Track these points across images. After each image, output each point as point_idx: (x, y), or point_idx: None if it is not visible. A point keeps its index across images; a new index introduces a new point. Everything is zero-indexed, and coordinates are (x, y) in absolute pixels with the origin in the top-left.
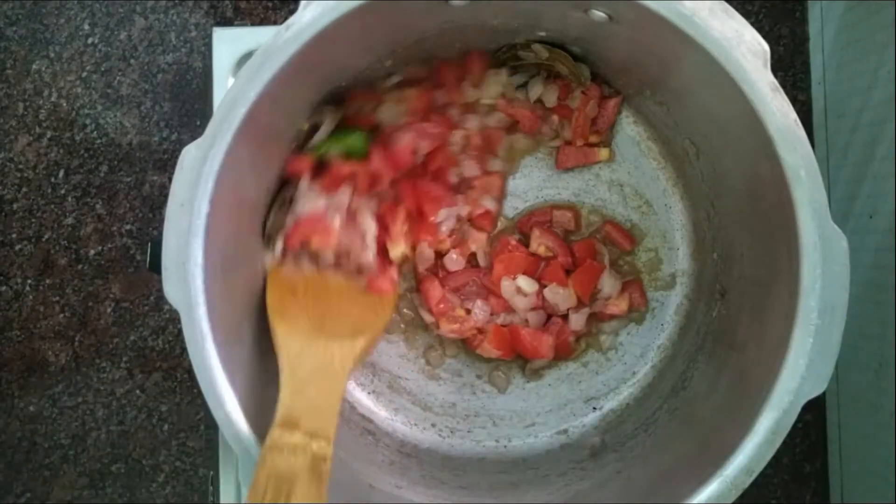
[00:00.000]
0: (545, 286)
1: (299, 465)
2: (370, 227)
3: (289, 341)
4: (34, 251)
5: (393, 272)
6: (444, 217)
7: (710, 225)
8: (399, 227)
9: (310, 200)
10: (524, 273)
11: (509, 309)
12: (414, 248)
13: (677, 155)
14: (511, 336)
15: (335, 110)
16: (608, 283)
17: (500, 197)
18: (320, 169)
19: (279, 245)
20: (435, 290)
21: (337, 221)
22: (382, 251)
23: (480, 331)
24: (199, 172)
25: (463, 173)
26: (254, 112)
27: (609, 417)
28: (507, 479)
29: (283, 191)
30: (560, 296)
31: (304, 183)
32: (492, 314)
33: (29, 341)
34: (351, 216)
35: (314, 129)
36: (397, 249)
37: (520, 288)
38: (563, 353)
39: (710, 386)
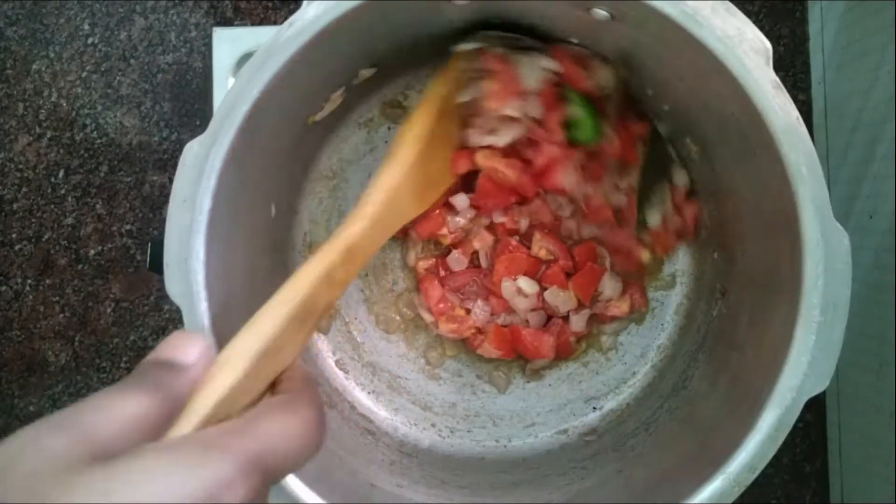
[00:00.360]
0: (546, 288)
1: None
2: None
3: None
4: (34, 251)
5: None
6: (462, 207)
7: (710, 223)
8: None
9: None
10: (525, 274)
11: (510, 309)
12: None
13: (677, 152)
14: (512, 336)
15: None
16: (609, 286)
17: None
18: None
19: None
20: (435, 290)
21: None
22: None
23: (480, 331)
24: (201, 169)
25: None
26: (255, 110)
27: (609, 417)
28: (508, 478)
29: None
30: (560, 298)
31: None
32: (492, 314)
33: (29, 341)
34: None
35: None
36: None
37: (520, 289)
38: (563, 354)
39: (710, 385)
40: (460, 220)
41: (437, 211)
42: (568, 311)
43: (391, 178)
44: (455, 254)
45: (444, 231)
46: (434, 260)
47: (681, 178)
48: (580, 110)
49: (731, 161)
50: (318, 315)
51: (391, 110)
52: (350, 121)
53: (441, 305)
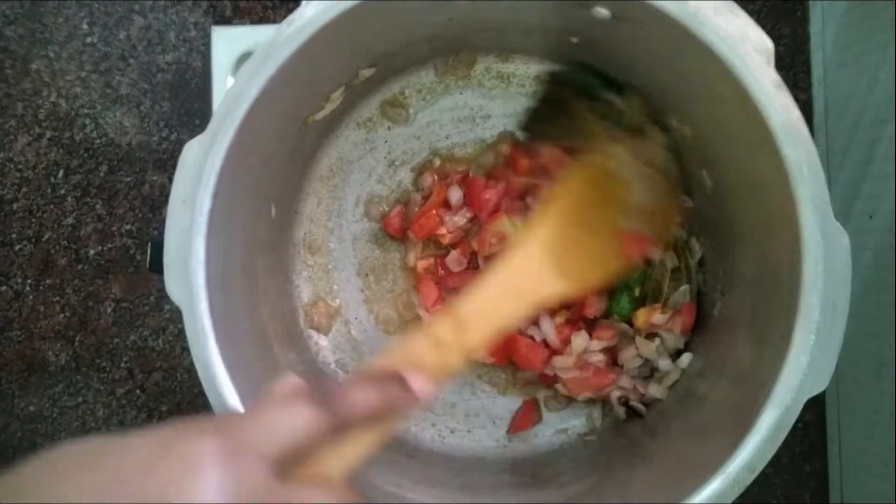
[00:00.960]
0: None
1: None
2: None
3: (536, 235)
4: (34, 251)
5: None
6: (456, 200)
7: (710, 224)
8: None
9: None
10: None
11: None
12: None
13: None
14: (507, 343)
15: None
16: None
17: None
18: None
19: None
20: (431, 290)
21: None
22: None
23: None
24: (200, 168)
25: None
26: (255, 109)
27: (610, 417)
28: (507, 479)
29: None
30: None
31: None
32: None
33: (29, 341)
34: None
35: None
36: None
37: None
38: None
39: (710, 385)
40: (458, 220)
41: (434, 210)
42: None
43: (518, 255)
44: (454, 254)
45: (443, 231)
46: (433, 260)
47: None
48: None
49: (731, 159)
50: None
51: (391, 109)
52: (350, 120)
53: (438, 306)
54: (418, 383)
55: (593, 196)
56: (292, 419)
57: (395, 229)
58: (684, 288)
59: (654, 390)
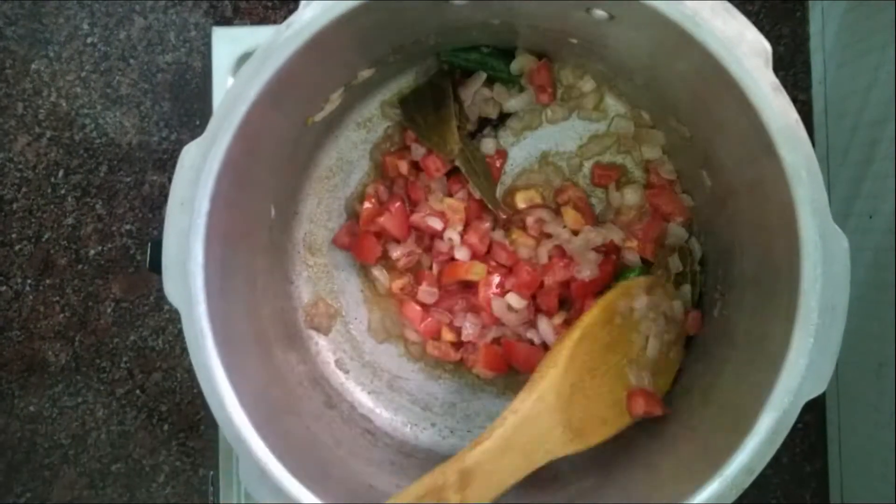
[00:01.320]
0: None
1: None
2: None
3: (546, 392)
4: (34, 251)
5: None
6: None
7: (710, 224)
8: None
9: None
10: (512, 290)
11: (500, 321)
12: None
13: (677, 154)
14: (505, 351)
15: None
16: None
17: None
18: None
19: None
20: (415, 311)
21: None
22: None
23: (473, 346)
24: (199, 171)
25: None
26: (254, 111)
27: None
28: None
29: None
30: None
31: None
32: (483, 328)
33: (29, 341)
34: None
35: None
36: None
37: (510, 305)
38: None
39: (709, 386)
40: (400, 252)
41: (367, 240)
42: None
43: (525, 404)
44: (423, 288)
45: (397, 254)
46: (408, 277)
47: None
48: None
49: (730, 162)
50: None
51: (391, 109)
52: (350, 121)
53: (428, 321)
54: None
55: (608, 339)
56: None
57: (346, 245)
58: (685, 288)
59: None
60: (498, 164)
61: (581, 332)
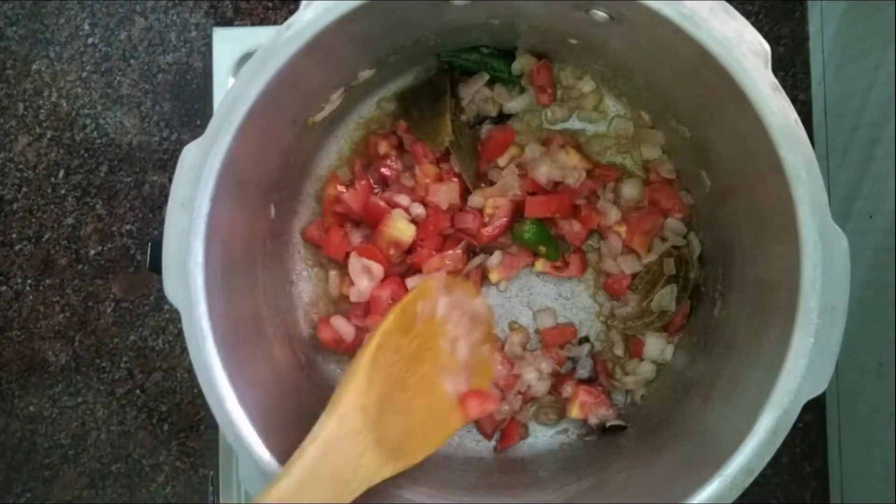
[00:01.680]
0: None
1: None
2: None
3: (347, 411)
4: (34, 251)
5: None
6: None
7: (709, 224)
8: None
9: None
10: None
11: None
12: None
13: (677, 154)
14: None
15: None
16: None
17: None
18: None
19: None
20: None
21: None
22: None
23: None
24: (199, 171)
25: None
26: (255, 111)
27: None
28: (507, 479)
29: None
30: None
31: None
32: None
33: (29, 341)
34: None
35: None
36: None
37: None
38: None
39: (709, 386)
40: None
41: (333, 232)
42: None
43: (326, 430)
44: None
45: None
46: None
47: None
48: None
49: (729, 162)
50: None
51: (387, 104)
52: (350, 120)
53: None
54: None
55: (413, 348)
56: None
57: (314, 239)
58: (669, 288)
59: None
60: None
61: (378, 341)
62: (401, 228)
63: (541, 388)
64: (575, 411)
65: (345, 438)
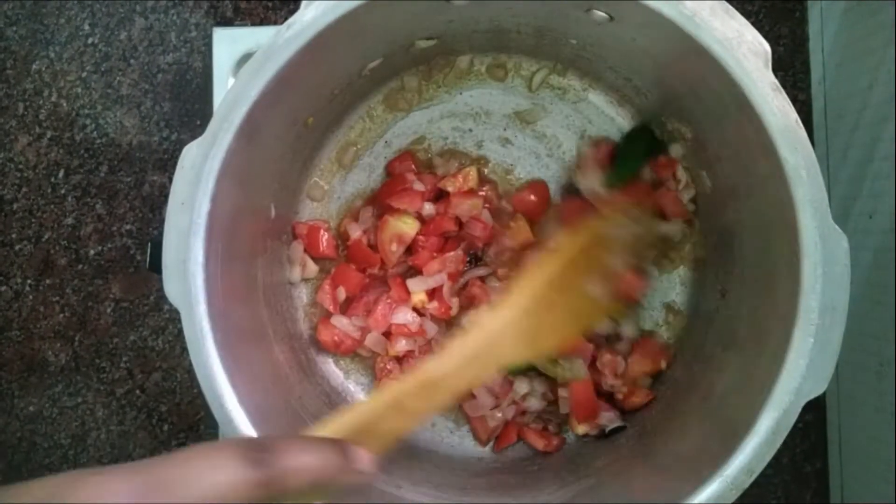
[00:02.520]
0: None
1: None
2: None
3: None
4: (34, 251)
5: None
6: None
7: (710, 224)
8: None
9: None
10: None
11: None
12: None
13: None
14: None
15: None
16: None
17: None
18: None
19: None
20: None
21: None
22: None
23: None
24: (199, 171)
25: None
26: (255, 111)
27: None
28: (507, 479)
29: None
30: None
31: None
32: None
33: (29, 341)
34: None
35: None
36: None
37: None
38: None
39: (709, 386)
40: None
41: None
42: None
43: (494, 321)
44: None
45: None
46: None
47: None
48: None
49: (729, 163)
50: (382, 439)
51: (390, 109)
52: (350, 120)
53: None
54: (361, 459)
55: (580, 263)
56: (216, 473)
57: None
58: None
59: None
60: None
61: (562, 258)
62: (407, 222)
63: (535, 404)
64: (580, 428)
65: (503, 329)
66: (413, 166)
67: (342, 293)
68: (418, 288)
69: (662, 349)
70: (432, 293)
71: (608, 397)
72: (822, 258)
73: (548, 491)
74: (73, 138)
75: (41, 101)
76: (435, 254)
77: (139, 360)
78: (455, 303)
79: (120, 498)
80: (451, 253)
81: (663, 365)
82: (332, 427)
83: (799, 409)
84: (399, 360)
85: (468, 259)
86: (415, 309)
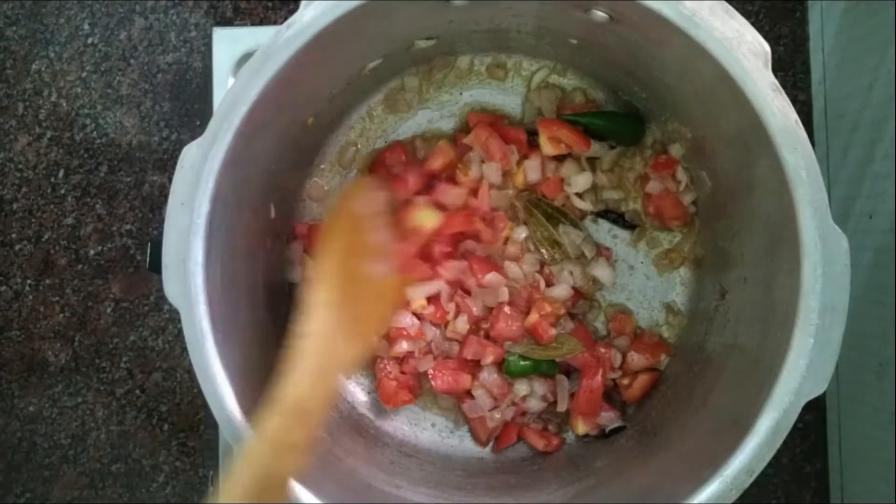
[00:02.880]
0: None
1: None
2: None
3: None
4: (34, 251)
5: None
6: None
7: (710, 225)
8: None
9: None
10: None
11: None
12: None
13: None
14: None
15: None
16: None
17: None
18: None
19: None
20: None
21: None
22: None
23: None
24: (199, 171)
25: None
26: (255, 111)
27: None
28: (507, 479)
29: None
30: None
31: None
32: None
33: (29, 341)
34: None
35: None
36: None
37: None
38: None
39: (709, 386)
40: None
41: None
42: None
43: (318, 324)
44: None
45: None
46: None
47: None
48: None
49: (729, 163)
50: (282, 478)
51: (391, 109)
52: (350, 120)
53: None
54: None
55: (352, 250)
56: None
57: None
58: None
59: None
60: None
61: (335, 247)
62: (427, 215)
63: (535, 405)
64: (580, 427)
65: (328, 330)
66: (403, 157)
67: None
68: (418, 295)
69: (661, 343)
70: (429, 298)
71: (608, 397)
72: (822, 258)
73: (548, 491)
74: (72, 138)
75: (41, 101)
76: (444, 252)
77: (139, 360)
78: (452, 308)
79: None
80: (453, 262)
81: (663, 358)
82: (231, 491)
83: (799, 409)
84: (399, 361)
85: None
86: (414, 313)
